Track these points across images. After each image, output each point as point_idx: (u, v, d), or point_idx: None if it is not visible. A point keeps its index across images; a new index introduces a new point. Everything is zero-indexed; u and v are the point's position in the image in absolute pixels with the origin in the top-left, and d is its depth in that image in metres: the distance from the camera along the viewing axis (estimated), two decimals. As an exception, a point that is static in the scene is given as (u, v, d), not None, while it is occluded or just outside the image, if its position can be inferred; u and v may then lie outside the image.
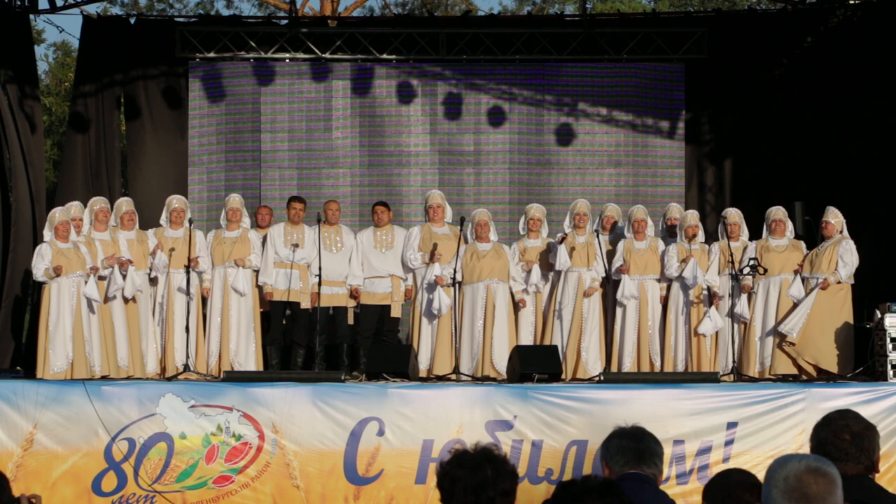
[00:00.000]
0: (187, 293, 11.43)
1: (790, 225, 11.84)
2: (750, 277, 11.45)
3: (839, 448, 3.78)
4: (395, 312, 12.19)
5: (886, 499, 3.81)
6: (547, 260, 11.88)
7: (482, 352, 11.54)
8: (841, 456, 3.75)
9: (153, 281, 11.84)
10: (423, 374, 11.52)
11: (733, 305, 11.48)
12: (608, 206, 12.58)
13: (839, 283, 11.29)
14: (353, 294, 12.06)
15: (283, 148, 14.43)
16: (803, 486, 3.14)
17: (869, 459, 3.79)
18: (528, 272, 11.77)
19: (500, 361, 11.37)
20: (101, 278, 11.28)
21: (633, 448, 4.06)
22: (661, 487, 4.14)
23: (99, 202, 11.92)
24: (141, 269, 11.64)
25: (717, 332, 11.57)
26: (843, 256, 11.31)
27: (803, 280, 11.47)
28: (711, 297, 11.58)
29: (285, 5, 20.78)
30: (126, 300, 11.47)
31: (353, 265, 12.02)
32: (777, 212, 11.81)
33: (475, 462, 3.46)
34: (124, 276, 11.34)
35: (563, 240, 11.69)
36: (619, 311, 11.79)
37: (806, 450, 3.96)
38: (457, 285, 11.55)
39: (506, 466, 3.48)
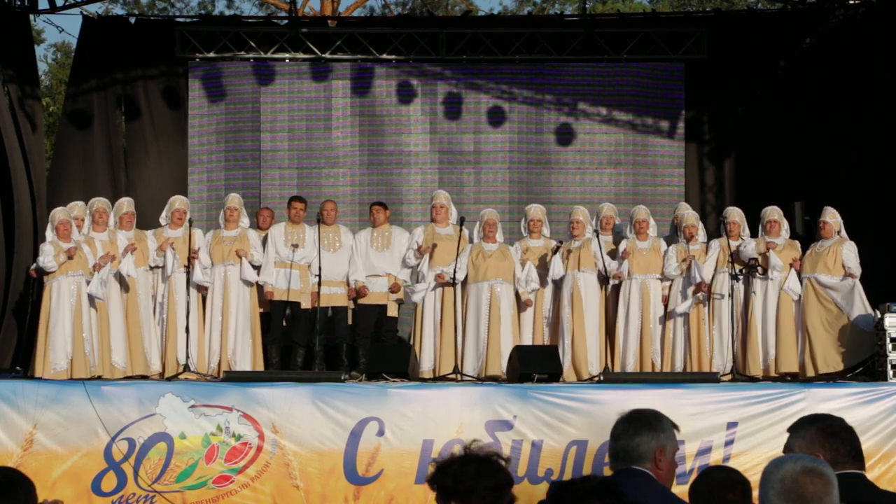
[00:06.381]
0: (186, 291, 11.44)
1: (786, 224, 11.85)
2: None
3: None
4: (392, 312, 12.20)
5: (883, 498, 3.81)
6: (545, 262, 11.89)
7: (486, 352, 11.54)
8: None
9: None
10: (426, 374, 11.52)
11: (734, 305, 11.48)
12: (604, 205, 12.54)
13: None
14: (360, 292, 12.01)
15: (283, 148, 14.43)
16: (800, 487, 3.14)
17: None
18: (524, 270, 11.79)
19: (505, 362, 11.35)
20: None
21: (613, 449, 3.97)
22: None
23: (97, 202, 11.93)
24: (140, 267, 11.67)
25: (718, 333, 11.57)
26: (848, 258, 11.33)
27: (802, 279, 11.49)
28: (701, 291, 11.57)
29: (285, 5, 20.80)
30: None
31: (354, 263, 12.03)
32: (772, 212, 11.82)
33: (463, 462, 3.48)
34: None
35: (557, 248, 11.72)
36: (621, 310, 11.78)
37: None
38: (458, 285, 11.55)
39: (491, 464, 3.48)
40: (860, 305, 11.17)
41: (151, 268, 11.85)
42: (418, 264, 11.86)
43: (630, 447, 3.90)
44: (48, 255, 11.14)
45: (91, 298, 11.21)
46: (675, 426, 4.00)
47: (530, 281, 11.77)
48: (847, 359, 11.25)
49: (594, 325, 11.69)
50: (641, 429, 3.92)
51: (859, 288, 11.24)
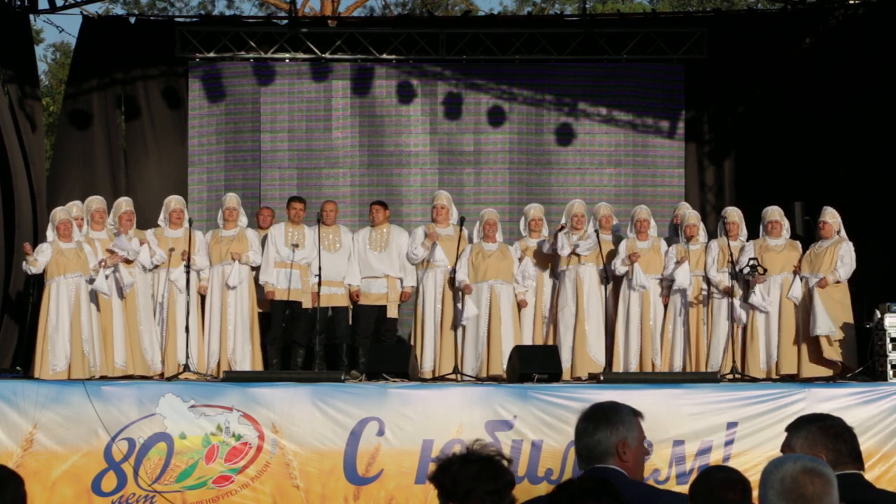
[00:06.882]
0: (186, 291, 11.44)
1: (787, 224, 11.85)
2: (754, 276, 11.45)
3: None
4: (392, 313, 12.20)
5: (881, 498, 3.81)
6: (542, 256, 11.88)
7: (487, 352, 11.55)
8: None
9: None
10: (426, 374, 11.53)
11: (732, 304, 11.48)
12: (601, 205, 12.52)
13: (837, 282, 11.31)
14: (351, 297, 12.04)
15: (283, 148, 14.43)
16: (799, 487, 3.14)
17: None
18: (520, 264, 11.79)
19: (505, 362, 11.35)
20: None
21: (577, 450, 3.88)
22: (663, 487, 4.04)
23: (96, 202, 11.94)
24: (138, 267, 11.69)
25: (717, 333, 11.56)
26: (843, 258, 11.32)
27: (802, 279, 11.49)
28: (723, 292, 11.52)
29: (285, 5, 20.80)
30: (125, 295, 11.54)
31: (350, 265, 12.04)
32: (773, 212, 11.82)
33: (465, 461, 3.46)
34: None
35: (562, 228, 11.72)
36: (621, 310, 11.78)
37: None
38: (457, 284, 11.56)
39: (493, 466, 3.46)
40: (821, 321, 11.19)
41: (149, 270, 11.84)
42: (427, 254, 11.82)
43: (591, 445, 3.84)
44: (43, 256, 11.16)
45: (94, 296, 11.20)
46: (637, 414, 3.92)
47: (527, 277, 11.78)
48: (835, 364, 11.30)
49: (596, 316, 11.68)
50: (599, 425, 3.86)
51: (818, 303, 11.23)
